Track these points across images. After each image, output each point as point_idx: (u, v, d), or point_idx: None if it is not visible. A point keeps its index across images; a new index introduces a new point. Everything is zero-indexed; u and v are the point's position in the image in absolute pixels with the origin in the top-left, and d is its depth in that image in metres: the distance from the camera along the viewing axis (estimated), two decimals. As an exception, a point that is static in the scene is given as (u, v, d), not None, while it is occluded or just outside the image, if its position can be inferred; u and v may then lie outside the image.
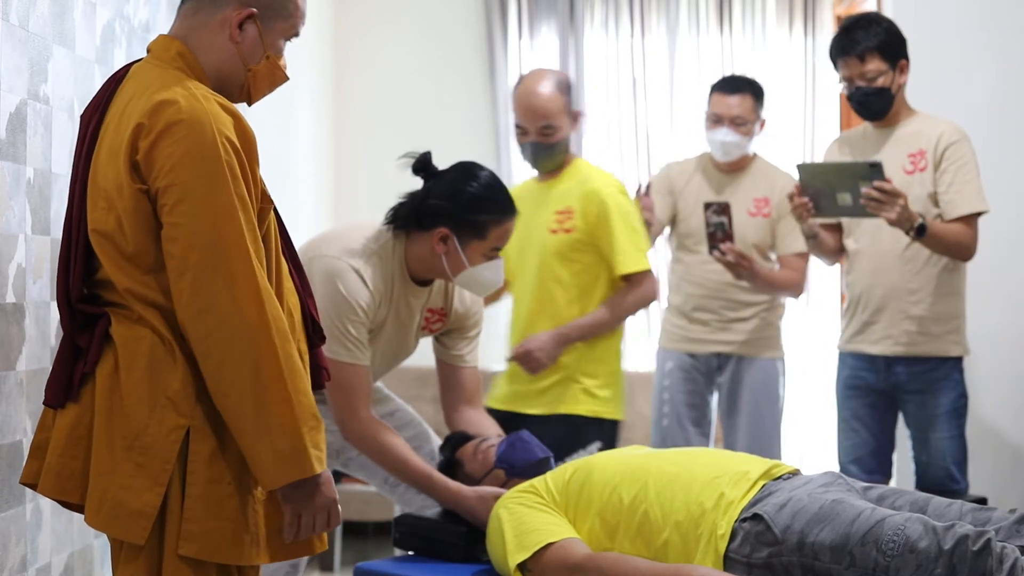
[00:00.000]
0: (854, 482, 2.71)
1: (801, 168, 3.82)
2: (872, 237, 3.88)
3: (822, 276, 5.87)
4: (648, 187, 4.19)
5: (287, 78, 2.33)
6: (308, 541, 2.23)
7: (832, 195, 3.72)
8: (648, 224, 4.01)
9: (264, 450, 2.09)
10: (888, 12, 4.91)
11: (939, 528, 2.37)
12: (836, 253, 4.03)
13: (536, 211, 3.72)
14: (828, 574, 2.44)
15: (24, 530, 2.70)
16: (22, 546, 2.69)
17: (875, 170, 3.60)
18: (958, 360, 3.86)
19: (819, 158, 5.87)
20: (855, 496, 2.59)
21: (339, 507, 2.22)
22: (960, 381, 3.86)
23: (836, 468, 4.10)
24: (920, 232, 3.63)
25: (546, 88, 3.71)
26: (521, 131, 3.75)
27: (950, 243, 3.72)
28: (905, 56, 3.84)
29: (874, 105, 3.83)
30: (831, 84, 5.94)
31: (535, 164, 3.80)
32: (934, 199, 3.79)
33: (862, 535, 2.42)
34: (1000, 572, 2.31)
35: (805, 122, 5.93)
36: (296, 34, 2.31)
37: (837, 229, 3.99)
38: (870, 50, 3.77)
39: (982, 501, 3.72)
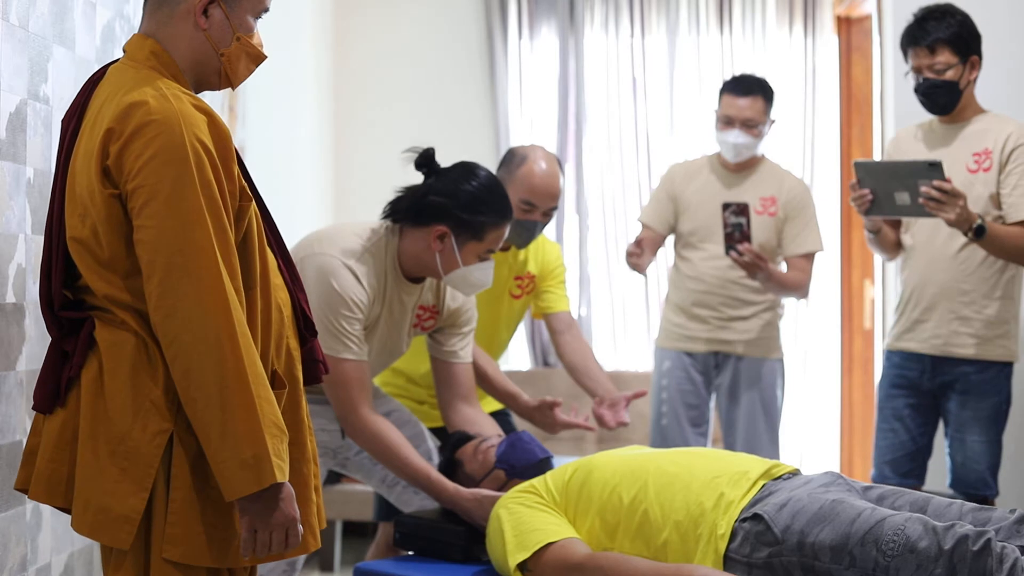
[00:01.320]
0: (854, 482, 2.71)
1: (858, 166, 3.75)
2: (928, 235, 3.81)
3: (822, 277, 5.87)
4: (639, 242, 4.29)
5: (264, 56, 2.29)
6: (302, 541, 2.21)
7: (890, 193, 3.66)
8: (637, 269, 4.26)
9: (228, 458, 2.04)
10: (888, 13, 4.92)
11: (939, 528, 2.37)
12: (895, 248, 3.97)
13: (496, 275, 3.52)
14: (828, 574, 2.44)
15: (24, 530, 2.69)
16: (22, 546, 2.69)
17: (935, 169, 3.54)
18: (1006, 365, 3.79)
19: (819, 159, 5.91)
20: (855, 496, 2.59)
21: (299, 527, 2.14)
22: (1005, 386, 3.79)
23: (837, 468, 4.08)
24: (979, 233, 3.56)
25: (558, 171, 3.62)
26: (527, 208, 3.55)
27: (1009, 247, 3.63)
28: (978, 52, 3.75)
29: (940, 98, 3.75)
30: (829, 85, 5.95)
31: (527, 241, 3.63)
32: (996, 200, 3.72)
33: (862, 535, 2.42)
34: (1000, 572, 2.31)
35: (805, 122, 5.93)
36: (266, 8, 2.27)
37: (896, 224, 3.93)
38: (941, 41, 3.70)
39: (982, 501, 3.72)
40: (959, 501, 2.63)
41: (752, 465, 2.72)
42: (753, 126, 4.29)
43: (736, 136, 4.29)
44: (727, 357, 4.40)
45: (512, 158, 3.63)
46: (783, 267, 4.42)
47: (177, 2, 2.20)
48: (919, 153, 3.84)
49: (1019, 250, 3.64)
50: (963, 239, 3.70)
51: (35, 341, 2.73)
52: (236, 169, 2.18)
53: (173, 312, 2.05)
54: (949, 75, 3.72)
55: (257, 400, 2.06)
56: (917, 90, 3.78)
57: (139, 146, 2.06)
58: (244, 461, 2.04)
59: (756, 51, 5.96)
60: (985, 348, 3.77)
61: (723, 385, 4.43)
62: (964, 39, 3.72)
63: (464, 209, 3.01)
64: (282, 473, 2.07)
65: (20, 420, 2.65)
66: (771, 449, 4.38)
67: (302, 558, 3.11)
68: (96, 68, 2.99)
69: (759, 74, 4.55)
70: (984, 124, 3.79)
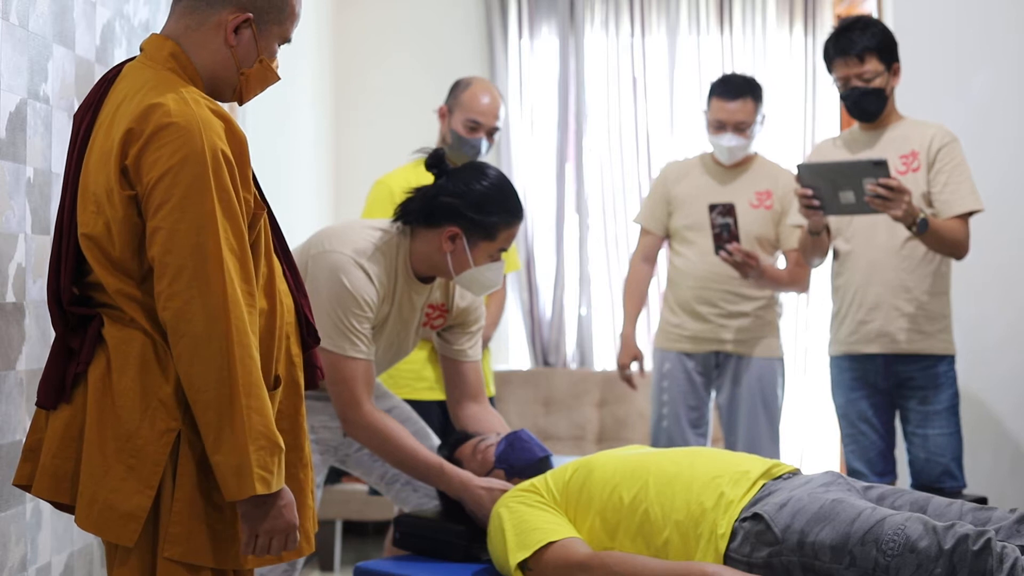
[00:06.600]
0: (854, 482, 2.71)
1: (801, 168, 3.82)
2: (866, 236, 3.90)
3: (822, 274, 5.87)
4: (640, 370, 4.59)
5: (279, 78, 2.33)
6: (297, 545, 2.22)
7: (834, 193, 3.73)
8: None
9: (219, 462, 2.08)
10: (888, 12, 4.92)
11: (939, 528, 2.37)
12: (826, 252, 4.06)
13: None
14: (828, 574, 2.44)
15: (24, 530, 2.69)
16: (22, 546, 2.69)
17: (880, 168, 3.63)
18: (952, 358, 3.89)
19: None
20: (855, 496, 2.59)
21: (297, 534, 2.17)
22: (955, 379, 3.89)
23: (837, 468, 4.09)
24: (922, 228, 3.66)
25: (498, 95, 4.27)
26: (473, 126, 4.20)
27: (948, 240, 3.75)
28: (898, 59, 3.89)
29: (869, 106, 3.87)
30: (831, 84, 5.94)
31: (474, 159, 3.92)
32: (927, 199, 3.83)
33: (862, 535, 2.42)
34: (1000, 572, 2.31)
35: (805, 122, 5.93)
36: (289, 40, 2.31)
37: (827, 229, 4.00)
38: (869, 50, 3.82)
39: (982, 501, 3.72)
40: (959, 501, 2.63)
41: (752, 465, 2.72)
42: (745, 128, 4.32)
43: (729, 139, 4.32)
44: (727, 357, 4.40)
45: (457, 86, 4.27)
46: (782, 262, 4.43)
47: (210, 12, 2.21)
48: None
49: (956, 243, 3.78)
50: (903, 237, 3.82)
51: (35, 341, 2.73)
52: (252, 176, 2.19)
53: (179, 314, 2.06)
54: (877, 83, 3.85)
55: (246, 411, 2.07)
56: (845, 99, 3.91)
57: (157, 148, 2.08)
58: (232, 467, 2.07)
59: (756, 51, 5.96)
60: (931, 343, 3.87)
61: (724, 385, 4.43)
62: (888, 47, 3.86)
63: (475, 210, 3.01)
64: (265, 485, 2.08)
65: (20, 419, 2.65)
66: (771, 448, 4.38)
67: (302, 559, 3.11)
68: (96, 68, 3.00)
69: (759, 74, 4.56)
70: (905, 128, 3.92)
